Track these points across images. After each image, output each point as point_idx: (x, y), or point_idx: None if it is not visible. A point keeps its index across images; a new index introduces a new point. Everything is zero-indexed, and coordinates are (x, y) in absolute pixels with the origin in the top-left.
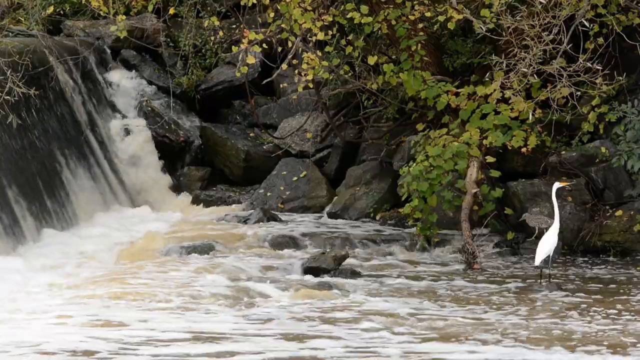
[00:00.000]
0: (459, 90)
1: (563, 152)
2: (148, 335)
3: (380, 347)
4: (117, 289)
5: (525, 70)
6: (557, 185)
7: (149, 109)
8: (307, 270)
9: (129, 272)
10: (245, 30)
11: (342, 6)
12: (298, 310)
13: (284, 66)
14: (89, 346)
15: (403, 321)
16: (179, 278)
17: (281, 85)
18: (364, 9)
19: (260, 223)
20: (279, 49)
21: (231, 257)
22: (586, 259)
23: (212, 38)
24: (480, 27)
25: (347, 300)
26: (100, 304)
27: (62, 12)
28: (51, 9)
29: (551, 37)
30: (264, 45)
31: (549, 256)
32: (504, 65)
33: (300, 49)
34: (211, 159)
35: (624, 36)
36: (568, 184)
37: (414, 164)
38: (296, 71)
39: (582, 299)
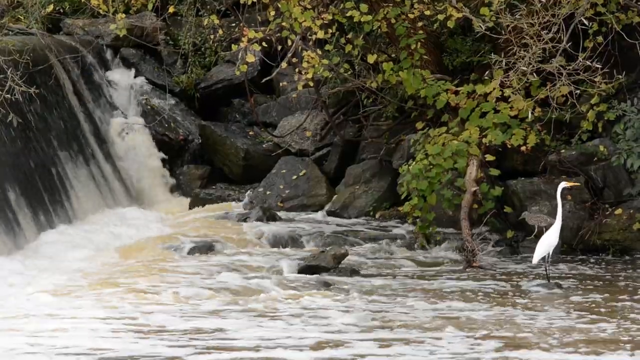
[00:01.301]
0: (458, 88)
1: (562, 151)
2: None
3: (379, 345)
4: (118, 289)
5: (524, 68)
6: (562, 185)
7: (149, 107)
8: (307, 269)
9: (129, 271)
10: (244, 28)
11: (342, 5)
12: (297, 309)
13: (284, 65)
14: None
15: (402, 319)
16: (178, 277)
17: (281, 84)
18: (364, 7)
19: (260, 222)
20: (279, 47)
21: (230, 256)
22: (585, 257)
23: (212, 36)
24: (480, 26)
25: (347, 299)
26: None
27: (61, 10)
28: (51, 7)
29: (550, 35)
30: (264, 44)
31: (548, 255)
32: (504, 63)
33: (300, 48)
34: (211, 158)
35: (624, 35)
36: (574, 184)
37: (414, 163)
38: (296, 70)
39: (581, 297)
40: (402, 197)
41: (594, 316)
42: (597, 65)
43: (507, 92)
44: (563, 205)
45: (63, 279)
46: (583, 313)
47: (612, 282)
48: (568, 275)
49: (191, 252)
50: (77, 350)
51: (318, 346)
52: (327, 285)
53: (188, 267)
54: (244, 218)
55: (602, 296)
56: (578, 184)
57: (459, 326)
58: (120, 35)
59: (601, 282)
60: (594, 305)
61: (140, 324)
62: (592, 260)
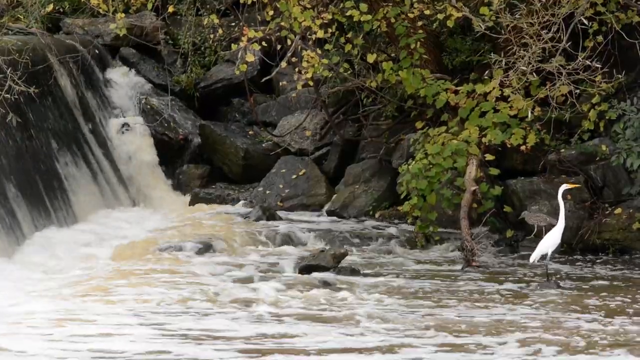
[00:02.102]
0: (458, 88)
1: (562, 150)
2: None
3: (378, 344)
4: (118, 289)
5: (524, 68)
6: (563, 187)
7: (148, 107)
8: (307, 269)
9: (129, 270)
10: (244, 28)
11: (342, 4)
12: (297, 308)
13: (283, 64)
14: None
15: (402, 318)
16: (175, 276)
17: (280, 84)
18: (363, 7)
19: (260, 221)
20: (278, 47)
21: (230, 255)
22: (585, 257)
23: (212, 36)
24: (480, 25)
25: (346, 298)
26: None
27: (61, 10)
28: (50, 6)
29: (550, 35)
30: (263, 44)
31: (546, 254)
32: (503, 63)
33: (299, 47)
34: (210, 157)
35: (623, 34)
36: (574, 186)
37: (413, 162)
38: (296, 69)
39: (581, 297)
40: (402, 196)
41: (592, 315)
42: (597, 65)
43: (507, 91)
44: (563, 204)
45: (61, 278)
46: (582, 312)
47: (611, 282)
48: (567, 275)
49: (190, 251)
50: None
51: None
52: (327, 284)
53: (187, 267)
54: (243, 217)
55: (601, 295)
56: (578, 184)
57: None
58: (120, 35)
59: (601, 282)
60: (593, 304)
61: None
62: (591, 260)
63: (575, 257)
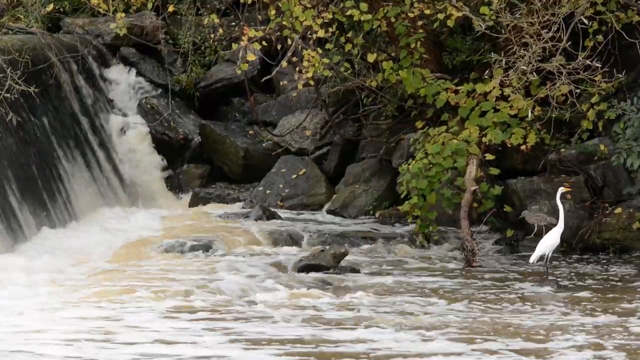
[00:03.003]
0: (458, 87)
1: (562, 150)
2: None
3: (378, 344)
4: (117, 287)
5: (524, 67)
6: (561, 190)
7: (148, 106)
8: (307, 268)
9: (128, 270)
10: (245, 27)
11: (342, 3)
12: (296, 308)
13: (284, 64)
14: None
15: (402, 318)
16: (175, 275)
17: (281, 83)
18: (364, 6)
19: (260, 221)
20: (279, 46)
21: (230, 255)
22: (585, 256)
23: (212, 36)
24: (480, 25)
25: (346, 298)
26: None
27: (61, 9)
28: (51, 6)
29: (550, 34)
30: (264, 43)
31: (546, 255)
32: (503, 62)
33: (300, 47)
34: (210, 157)
35: (623, 34)
36: (570, 189)
37: (413, 162)
38: (297, 69)
39: (581, 296)
40: (402, 196)
41: (593, 314)
42: (597, 65)
43: (507, 91)
44: (563, 205)
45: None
46: (583, 311)
47: (611, 281)
48: (568, 275)
49: (190, 251)
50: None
51: (316, 344)
52: (327, 284)
53: (187, 266)
54: (243, 217)
55: (601, 295)
56: (573, 189)
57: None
58: (120, 35)
59: (601, 282)
60: (593, 304)
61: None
62: (591, 260)
63: (575, 256)
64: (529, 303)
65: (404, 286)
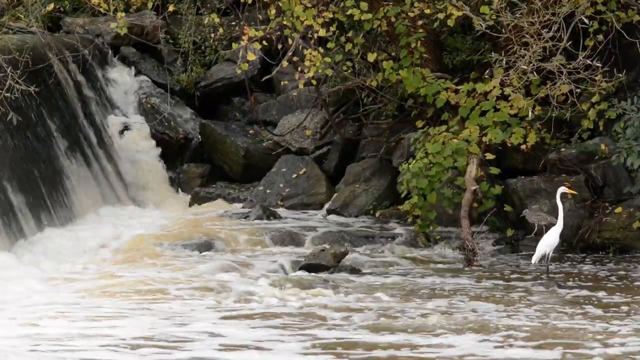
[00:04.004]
0: (458, 87)
1: (562, 150)
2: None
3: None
4: (116, 285)
5: (524, 67)
6: (561, 190)
7: (149, 106)
8: (307, 268)
9: (128, 268)
10: (245, 27)
11: (342, 3)
12: (297, 308)
13: (284, 63)
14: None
15: (402, 318)
16: (177, 274)
17: (282, 83)
18: (364, 5)
19: (260, 220)
20: (279, 46)
21: (230, 254)
22: (586, 256)
23: (212, 35)
24: (480, 25)
25: (347, 298)
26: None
27: (61, 9)
28: (51, 6)
29: (551, 34)
30: (264, 43)
31: (548, 254)
32: (504, 62)
33: (300, 46)
34: (211, 156)
35: (624, 33)
36: (572, 191)
37: (414, 161)
38: (298, 68)
39: (582, 296)
40: (402, 195)
41: (594, 314)
42: (598, 64)
43: (507, 90)
44: (563, 204)
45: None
46: (583, 311)
47: (611, 281)
48: (568, 274)
49: (190, 250)
50: None
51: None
52: (327, 283)
53: (187, 266)
54: (244, 216)
55: (601, 295)
56: (576, 192)
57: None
58: (121, 34)
59: (601, 281)
60: (594, 303)
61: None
62: (592, 259)
63: (575, 256)
64: (528, 302)
65: (404, 286)
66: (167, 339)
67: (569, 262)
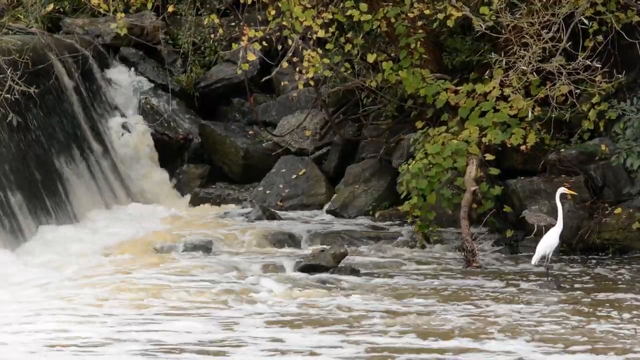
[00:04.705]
0: (458, 88)
1: (562, 150)
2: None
3: (378, 346)
4: (116, 286)
5: (524, 68)
6: (561, 190)
7: (148, 106)
8: (307, 268)
9: (127, 269)
10: (244, 27)
11: (342, 4)
12: (296, 308)
13: (284, 64)
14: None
15: (402, 319)
16: (177, 275)
17: (282, 83)
18: (363, 6)
19: (260, 221)
20: (279, 47)
21: (230, 255)
22: (585, 256)
23: (212, 36)
24: (480, 25)
25: (346, 298)
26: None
27: (61, 9)
28: (51, 6)
29: (550, 34)
30: (264, 43)
31: (547, 255)
32: (504, 63)
33: (300, 47)
34: (210, 157)
35: (623, 34)
36: (572, 192)
37: (413, 162)
38: (297, 69)
39: (581, 297)
40: (402, 196)
41: (593, 315)
42: (597, 65)
43: (507, 91)
44: (563, 205)
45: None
46: (582, 312)
47: (611, 282)
48: (568, 275)
49: (190, 250)
50: None
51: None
52: (327, 284)
53: (186, 266)
54: (243, 217)
55: (601, 295)
56: (575, 193)
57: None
58: (121, 35)
59: (601, 282)
60: (593, 304)
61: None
62: (591, 260)
63: (575, 256)
64: (528, 303)
65: (404, 286)
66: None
67: (568, 263)
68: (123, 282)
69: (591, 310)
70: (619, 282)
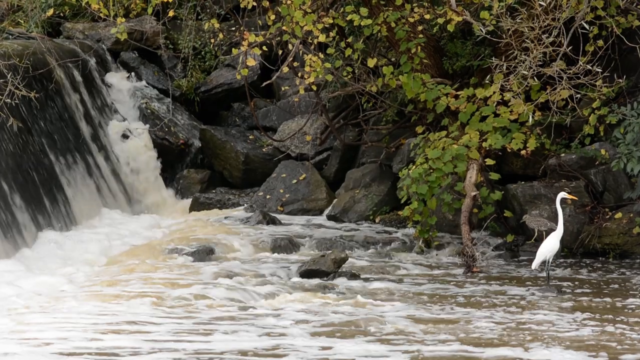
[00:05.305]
0: (458, 92)
1: (562, 155)
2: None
3: (380, 352)
4: (117, 292)
5: (525, 72)
6: (561, 195)
7: (149, 111)
8: (307, 273)
9: (128, 275)
10: (245, 32)
11: (342, 8)
12: (297, 313)
13: (285, 69)
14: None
15: (402, 324)
16: (177, 280)
17: (282, 88)
18: (364, 11)
19: (260, 226)
20: (279, 51)
21: (231, 260)
22: (586, 261)
23: (212, 40)
24: (480, 30)
25: (347, 303)
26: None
27: (61, 14)
28: (51, 11)
29: (551, 39)
30: (264, 48)
31: (548, 260)
32: (504, 67)
33: (300, 52)
34: (211, 162)
35: (624, 38)
36: (572, 197)
37: (414, 167)
38: (299, 74)
39: (582, 302)
40: (402, 201)
41: (593, 320)
42: (598, 69)
43: (507, 96)
44: (563, 209)
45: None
46: (583, 317)
47: (611, 286)
48: (569, 280)
49: (190, 256)
50: None
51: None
52: (327, 289)
53: (188, 272)
54: (244, 222)
55: (602, 300)
56: (576, 198)
57: (458, 329)
58: (121, 39)
59: (602, 286)
60: (593, 309)
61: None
62: (592, 264)
63: (576, 261)
64: (529, 308)
65: (404, 291)
66: None
67: (569, 268)
68: (123, 288)
69: (587, 314)
70: (619, 287)
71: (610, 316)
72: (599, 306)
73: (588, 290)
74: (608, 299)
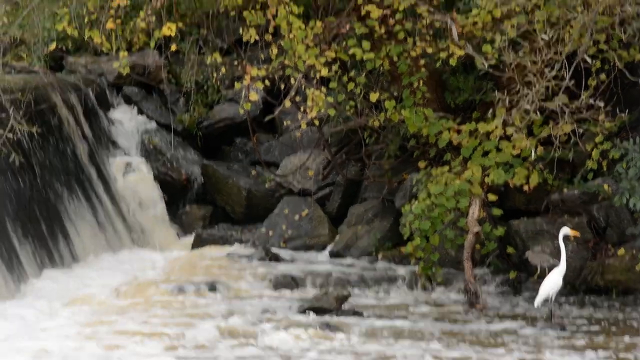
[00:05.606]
0: (460, 127)
1: (565, 190)
2: None
3: None
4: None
5: (527, 107)
6: (563, 231)
7: (151, 146)
8: (309, 310)
9: (131, 312)
10: (247, 66)
11: (344, 42)
12: (299, 351)
13: (287, 103)
14: None
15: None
16: (180, 318)
17: (285, 123)
18: (366, 45)
19: (262, 262)
20: (282, 86)
21: (233, 297)
22: (588, 298)
23: (214, 74)
24: (483, 64)
25: (349, 341)
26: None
27: (64, 48)
28: (53, 45)
29: (554, 73)
30: (266, 82)
31: (550, 297)
32: (507, 101)
33: (303, 86)
34: (213, 197)
35: (626, 72)
36: (575, 233)
37: (416, 202)
38: (302, 108)
39: (585, 339)
40: (405, 237)
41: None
42: (600, 104)
43: (510, 130)
44: (566, 245)
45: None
46: (586, 355)
47: (615, 324)
48: (571, 317)
49: (193, 293)
50: None
51: None
52: (329, 327)
53: (189, 308)
54: (246, 258)
55: (605, 338)
56: (578, 234)
57: None
58: (123, 74)
59: (605, 323)
60: (597, 346)
61: None
62: (594, 301)
63: (578, 298)
64: (532, 346)
65: (407, 329)
66: None
67: (571, 305)
68: (126, 326)
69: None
70: (622, 324)
71: (622, 355)
72: (609, 344)
73: (594, 329)
74: (617, 337)
